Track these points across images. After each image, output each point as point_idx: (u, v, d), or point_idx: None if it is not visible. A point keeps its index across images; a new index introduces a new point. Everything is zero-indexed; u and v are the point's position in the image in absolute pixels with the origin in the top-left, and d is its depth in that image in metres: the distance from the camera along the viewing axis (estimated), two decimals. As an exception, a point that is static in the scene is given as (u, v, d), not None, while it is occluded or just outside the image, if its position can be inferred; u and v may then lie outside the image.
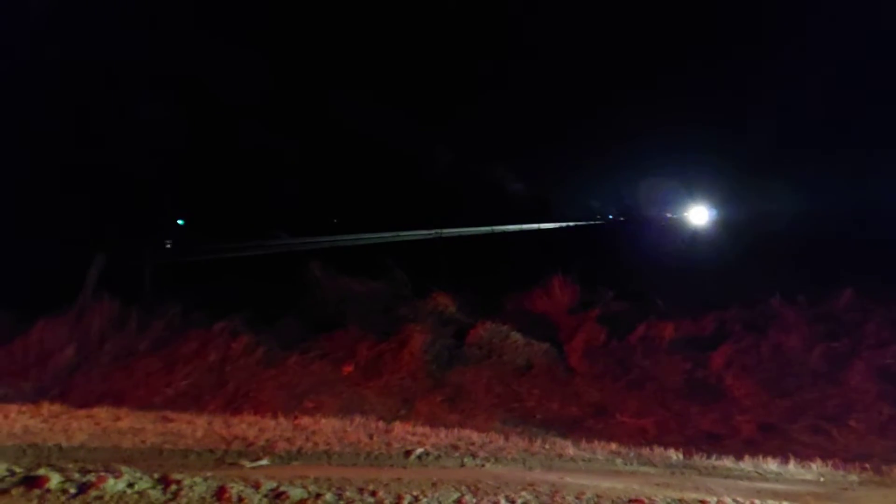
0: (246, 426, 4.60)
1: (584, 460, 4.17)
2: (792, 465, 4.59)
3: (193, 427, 4.58)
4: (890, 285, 10.95)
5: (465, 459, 3.92)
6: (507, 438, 4.51)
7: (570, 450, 4.37)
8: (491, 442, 4.37)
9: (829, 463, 4.65)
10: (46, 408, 5.40)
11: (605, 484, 3.44)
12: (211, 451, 4.02)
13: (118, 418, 4.91)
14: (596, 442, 4.78)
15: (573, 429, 6.61)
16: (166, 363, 8.29)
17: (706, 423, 7.15)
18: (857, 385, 7.73)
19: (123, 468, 2.90)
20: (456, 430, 4.74)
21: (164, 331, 9.37)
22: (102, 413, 5.12)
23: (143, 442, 4.18)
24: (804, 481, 4.31)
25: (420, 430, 4.64)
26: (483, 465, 3.83)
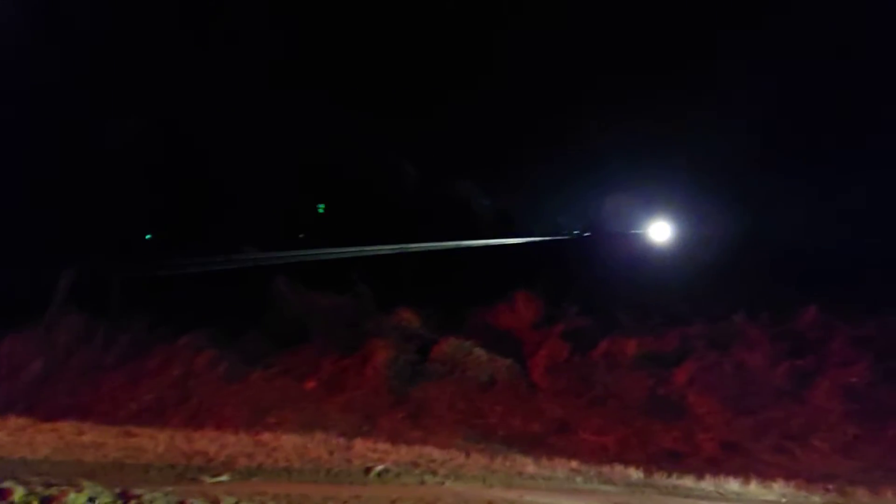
0: (207, 441, 4.53)
1: (544, 478, 4.19)
2: (753, 485, 4.64)
3: (155, 442, 4.51)
4: (855, 303, 11.14)
5: (426, 477, 3.91)
6: (468, 455, 4.50)
7: (531, 467, 4.38)
8: (452, 459, 4.36)
9: (792, 483, 4.70)
10: (13, 421, 5.33)
11: (565, 502, 3.46)
12: (172, 466, 3.96)
13: (82, 432, 4.83)
14: (557, 459, 4.79)
15: (535, 445, 6.60)
16: (131, 378, 8.15)
17: (668, 441, 7.17)
18: (821, 404, 7.77)
19: (85, 482, 2.88)
20: (417, 447, 4.72)
21: (129, 345, 9.23)
22: (67, 427, 5.04)
23: (105, 456, 4.12)
24: (766, 502, 4.35)
25: (381, 446, 4.61)
26: (443, 483, 3.82)
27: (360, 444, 4.62)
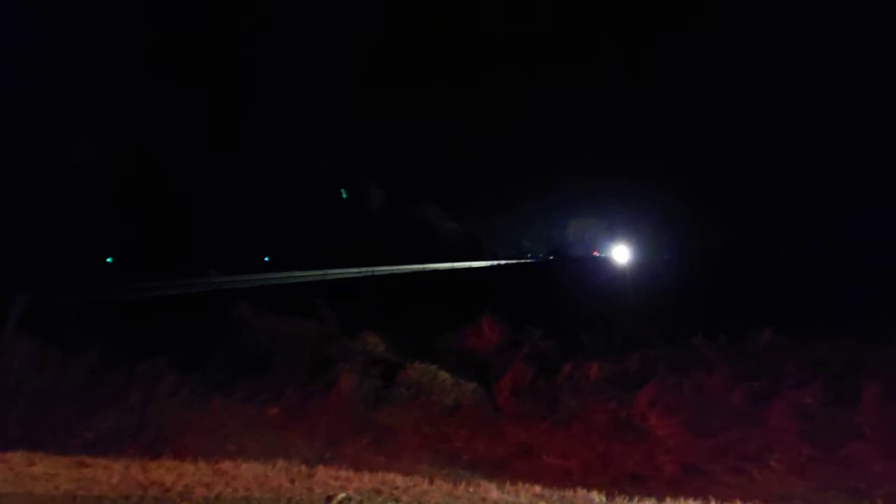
0: (164, 471, 4.41)
1: (507, 503, 4.19)
2: (712, 507, 4.69)
3: (109, 472, 4.37)
4: (809, 325, 11.50)
5: (388, 504, 3.88)
6: (431, 481, 4.47)
7: (494, 493, 4.37)
8: (415, 485, 4.33)
9: (749, 504, 4.77)
10: (-40, 453, 5.10)
11: (527, 527, 3.47)
12: (126, 497, 3.85)
13: (33, 463, 4.65)
14: (520, 484, 4.79)
15: (499, 470, 6.62)
16: (86, 406, 7.89)
17: (630, 464, 7.25)
18: (776, 425, 7.95)
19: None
20: (381, 474, 4.67)
21: (84, 372, 8.96)
22: (17, 458, 4.84)
23: (56, 488, 3.99)
24: (724, 525, 4.41)
25: (344, 473, 4.55)
26: (406, 510, 3.80)
27: (322, 472, 4.54)
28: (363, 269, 33.60)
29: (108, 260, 29.96)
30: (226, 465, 4.64)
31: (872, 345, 10.36)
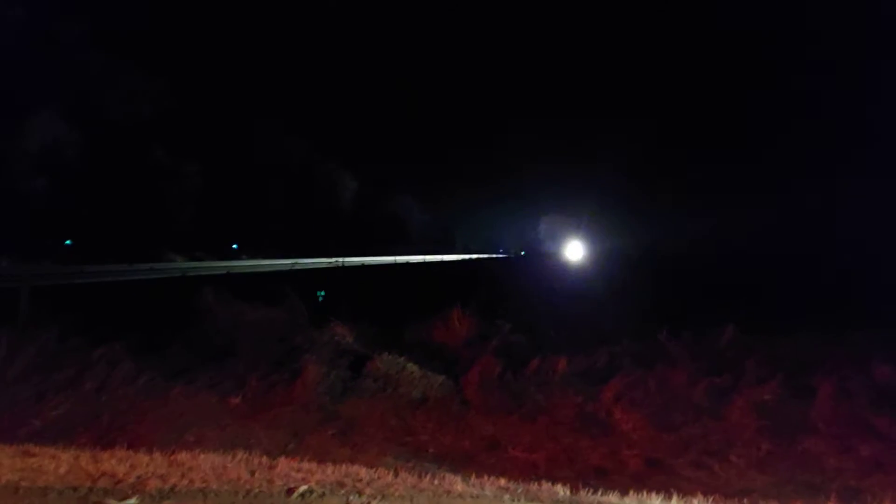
0: (116, 462, 4.25)
1: (472, 497, 4.12)
2: (675, 501, 4.70)
3: (57, 462, 4.19)
4: (769, 322, 11.69)
5: (351, 497, 3.78)
6: (396, 474, 4.39)
7: (459, 486, 4.31)
8: (379, 478, 4.24)
9: (710, 499, 4.79)
10: None
11: (491, 521, 3.42)
12: (74, 488, 3.69)
13: (-28, 452, 4.45)
14: (486, 477, 4.74)
15: (465, 463, 6.57)
16: (37, 392, 7.63)
17: (595, 458, 7.28)
18: (737, 420, 8.09)
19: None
20: (344, 466, 4.57)
21: (36, 357, 8.65)
22: (-45, 446, 4.62)
23: (-2, 478, 3.81)
24: (686, 518, 4.42)
25: (306, 465, 4.44)
26: (369, 503, 3.72)
27: (284, 464, 4.43)
28: (334, 260, 33.33)
29: (67, 242, 29.25)
30: (183, 456, 4.49)
31: (829, 343, 10.58)
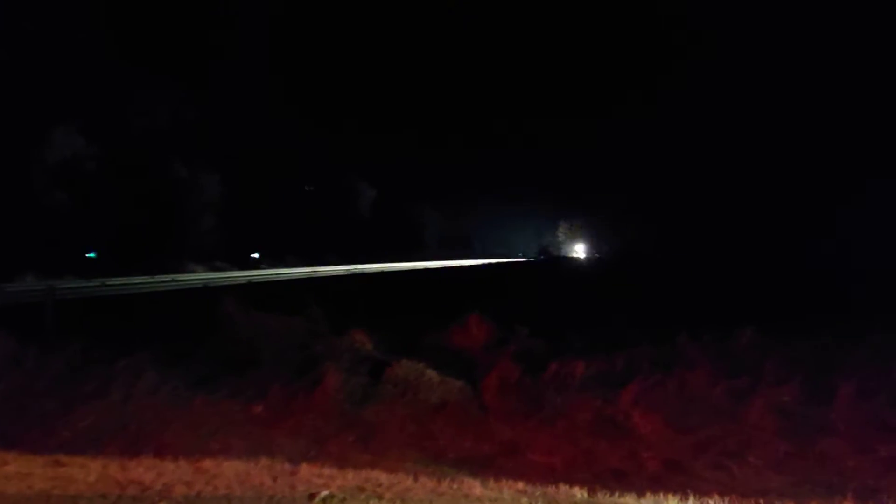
0: (143, 470, 4.39)
1: (490, 500, 4.20)
2: (692, 501, 4.75)
3: (87, 471, 4.33)
4: (788, 324, 11.65)
5: (371, 501, 3.87)
6: (415, 479, 4.48)
7: (478, 489, 4.39)
8: (399, 483, 4.33)
9: (727, 499, 4.83)
10: (-68, 451, 5.00)
11: (508, 523, 3.49)
12: (103, 496, 3.81)
13: (6, 462, 4.60)
14: (504, 481, 4.82)
15: (484, 467, 6.63)
16: (63, 403, 7.81)
17: (613, 460, 7.31)
18: (755, 422, 8.08)
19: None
20: (365, 471, 4.67)
21: (63, 369, 8.85)
22: (-11, 457, 4.78)
23: (30, 487, 3.94)
24: (702, 518, 4.47)
25: (327, 471, 4.55)
26: (388, 507, 3.81)
27: (306, 470, 4.54)
28: (352, 267, 33.57)
29: (90, 255, 29.73)
30: (207, 463, 4.62)
31: (849, 344, 10.52)
